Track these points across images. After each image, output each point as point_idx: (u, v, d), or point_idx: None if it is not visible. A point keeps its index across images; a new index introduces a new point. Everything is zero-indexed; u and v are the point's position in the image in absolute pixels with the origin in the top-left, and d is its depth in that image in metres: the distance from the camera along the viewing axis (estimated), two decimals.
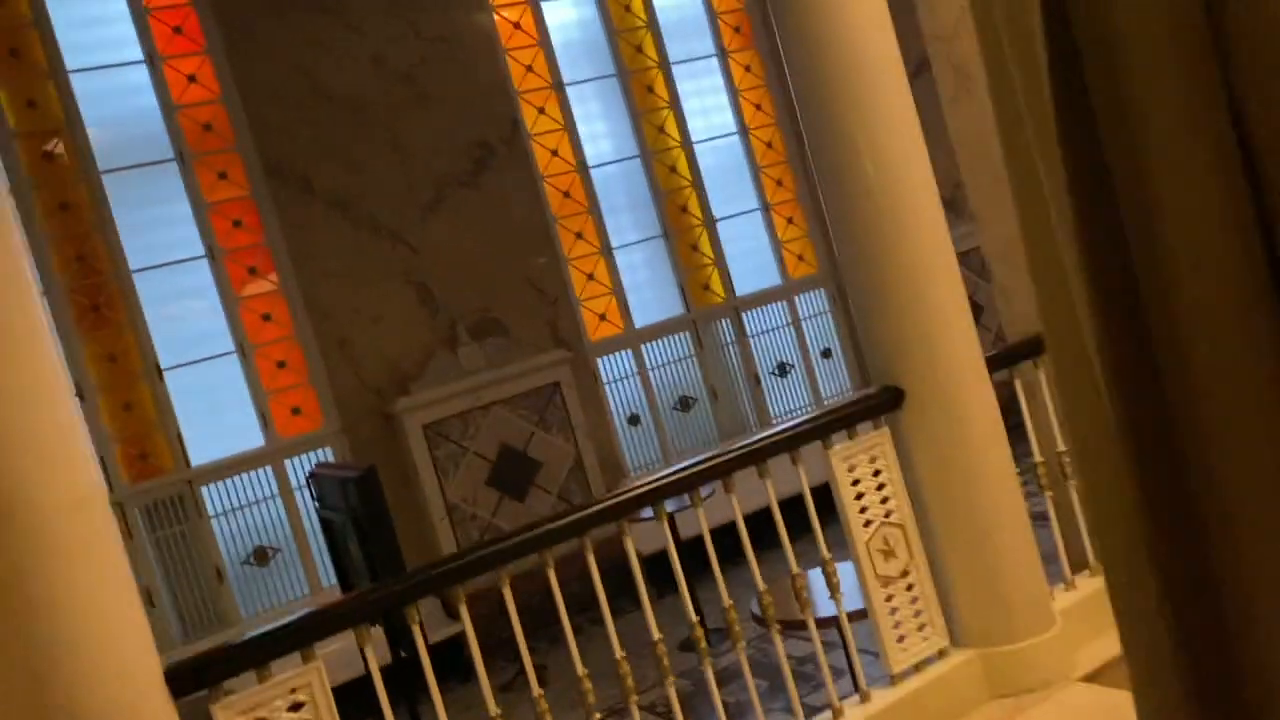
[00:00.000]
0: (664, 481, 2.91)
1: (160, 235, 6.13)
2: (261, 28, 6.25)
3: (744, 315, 7.58)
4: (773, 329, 7.68)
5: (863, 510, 3.19)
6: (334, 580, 5.17)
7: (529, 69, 7.10)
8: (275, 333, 6.29)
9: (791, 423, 3.24)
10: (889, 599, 3.23)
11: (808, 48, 3.08)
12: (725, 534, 3.21)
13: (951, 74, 4.00)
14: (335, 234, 6.35)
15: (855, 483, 3.19)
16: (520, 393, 6.48)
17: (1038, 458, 3.61)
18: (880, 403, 3.27)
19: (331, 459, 6.31)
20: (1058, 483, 3.59)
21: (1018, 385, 3.56)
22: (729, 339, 7.55)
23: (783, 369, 7.70)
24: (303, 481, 6.20)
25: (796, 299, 7.79)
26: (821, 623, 3.26)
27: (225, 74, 6.23)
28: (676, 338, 7.34)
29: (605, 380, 7.09)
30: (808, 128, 3.24)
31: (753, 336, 7.61)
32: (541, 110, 7.10)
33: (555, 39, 7.16)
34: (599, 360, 7.07)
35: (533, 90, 7.07)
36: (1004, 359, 3.58)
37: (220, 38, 6.21)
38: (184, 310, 6.21)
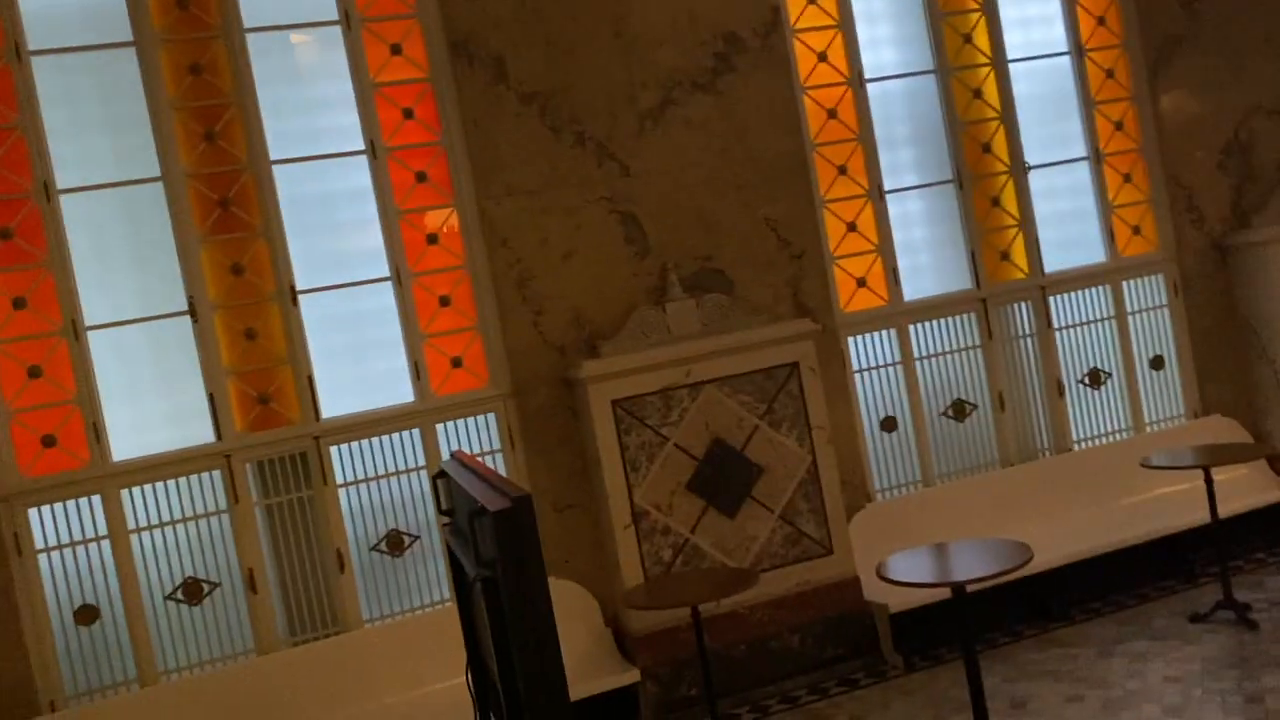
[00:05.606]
0: None
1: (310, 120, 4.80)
2: None
3: (1051, 300, 5.65)
4: (1089, 322, 5.73)
5: None
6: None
7: None
8: (441, 260, 4.89)
9: None
10: None
11: None
12: None
13: None
14: (528, 138, 4.87)
15: None
16: (743, 372, 4.84)
17: None
18: None
19: (494, 431, 4.86)
20: None
21: None
22: (1028, 330, 5.65)
23: (1095, 377, 5.70)
24: (451, 452, 4.81)
25: (1125, 285, 5.78)
26: None
27: None
28: (958, 320, 5.53)
29: (857, 367, 5.33)
30: None
31: (1060, 330, 5.67)
32: None
33: None
34: (851, 340, 5.33)
35: None
36: None
37: None
38: (329, 220, 4.85)
